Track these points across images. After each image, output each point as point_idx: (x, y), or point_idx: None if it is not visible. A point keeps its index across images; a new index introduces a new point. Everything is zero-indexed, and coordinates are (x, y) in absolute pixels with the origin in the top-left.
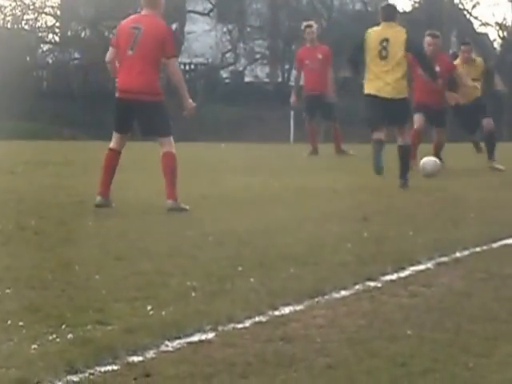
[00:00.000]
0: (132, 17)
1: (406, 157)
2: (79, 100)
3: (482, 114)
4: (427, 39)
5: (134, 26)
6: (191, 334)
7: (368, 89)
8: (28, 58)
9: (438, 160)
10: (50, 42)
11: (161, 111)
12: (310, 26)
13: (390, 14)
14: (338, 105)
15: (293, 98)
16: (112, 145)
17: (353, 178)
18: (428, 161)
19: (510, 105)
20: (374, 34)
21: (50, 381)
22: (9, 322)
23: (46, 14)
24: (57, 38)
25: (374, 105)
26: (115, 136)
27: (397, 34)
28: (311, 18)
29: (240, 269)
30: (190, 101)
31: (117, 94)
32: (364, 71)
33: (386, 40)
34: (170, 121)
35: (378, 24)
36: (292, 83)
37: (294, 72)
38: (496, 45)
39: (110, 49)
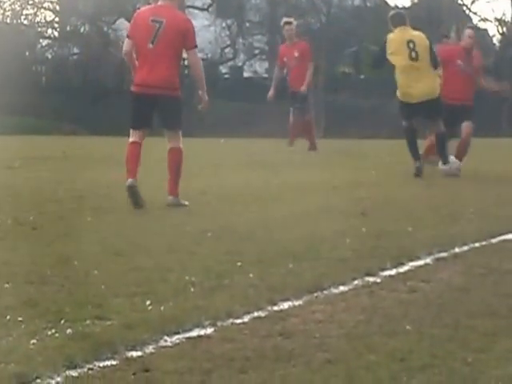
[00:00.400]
0: (149, 8)
1: (442, 144)
2: (79, 95)
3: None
4: (469, 31)
5: (154, 18)
6: (190, 330)
7: (402, 96)
8: (27, 53)
9: (455, 159)
10: (49, 37)
11: (177, 106)
12: (288, 23)
13: (401, 19)
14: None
15: (269, 93)
16: (132, 139)
17: (351, 174)
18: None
19: (511, 100)
20: (395, 37)
21: (48, 376)
22: (8, 317)
23: (45, 8)
24: (56, 33)
25: (407, 109)
26: (134, 133)
27: (419, 37)
28: (310, 13)
29: (239, 264)
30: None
31: (134, 89)
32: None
33: (412, 42)
34: (182, 116)
35: (391, 30)
36: None
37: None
38: (495, 40)
39: (127, 40)
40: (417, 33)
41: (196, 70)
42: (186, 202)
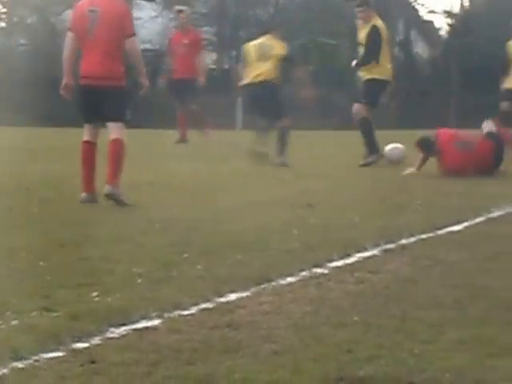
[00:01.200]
0: None
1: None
2: (26, 86)
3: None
4: None
5: (90, 8)
6: (137, 321)
7: (385, 75)
8: None
9: (400, 146)
10: None
11: (120, 96)
12: (181, 11)
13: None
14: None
15: (162, 80)
16: (86, 137)
17: (299, 165)
18: (393, 148)
19: (459, 92)
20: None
21: None
22: None
23: None
24: (3, 24)
25: (383, 89)
26: (86, 127)
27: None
28: (258, 4)
29: (186, 255)
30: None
31: (80, 82)
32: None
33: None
34: (127, 107)
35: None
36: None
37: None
38: (443, 32)
39: (68, 33)
40: None
41: (135, 57)
42: (126, 201)
